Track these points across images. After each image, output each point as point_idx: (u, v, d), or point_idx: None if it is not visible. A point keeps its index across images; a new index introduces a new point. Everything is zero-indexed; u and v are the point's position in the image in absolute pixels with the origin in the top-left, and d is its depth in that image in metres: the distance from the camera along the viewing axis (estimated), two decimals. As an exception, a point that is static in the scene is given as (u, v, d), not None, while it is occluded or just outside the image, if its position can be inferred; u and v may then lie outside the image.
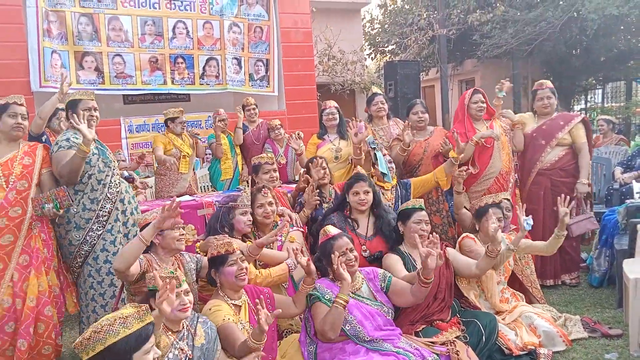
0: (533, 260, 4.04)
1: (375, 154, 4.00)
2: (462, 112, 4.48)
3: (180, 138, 5.30)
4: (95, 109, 3.42)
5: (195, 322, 2.52)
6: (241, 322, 2.70)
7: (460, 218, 4.05)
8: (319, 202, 3.91)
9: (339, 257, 2.86)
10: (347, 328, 2.81)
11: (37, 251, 3.19)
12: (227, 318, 2.62)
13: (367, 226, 3.60)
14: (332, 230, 3.09)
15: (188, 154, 5.24)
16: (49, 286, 3.23)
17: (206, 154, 6.09)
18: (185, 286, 2.46)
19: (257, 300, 2.52)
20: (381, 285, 3.06)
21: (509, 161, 4.43)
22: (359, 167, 4.16)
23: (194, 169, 5.51)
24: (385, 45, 13.89)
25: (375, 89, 5.03)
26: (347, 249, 2.96)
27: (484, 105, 4.41)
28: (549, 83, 4.64)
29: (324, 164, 4.12)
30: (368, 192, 3.58)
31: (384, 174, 3.99)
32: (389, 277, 3.09)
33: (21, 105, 3.26)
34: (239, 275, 2.73)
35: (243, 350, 2.49)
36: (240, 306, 2.79)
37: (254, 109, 5.79)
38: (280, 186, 4.35)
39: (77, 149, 3.18)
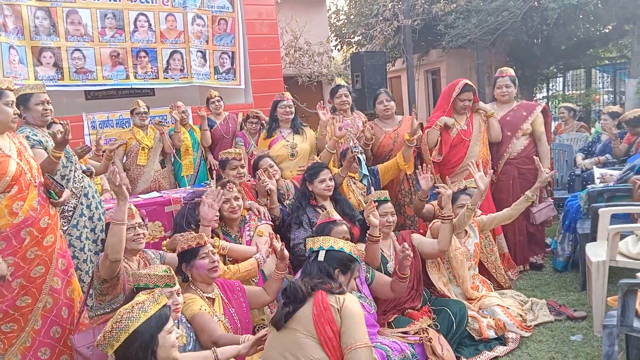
0: (497, 247, 4.15)
1: (358, 157, 3.95)
2: (446, 103, 4.46)
3: (144, 131, 5.30)
4: (48, 102, 3.30)
5: (178, 322, 2.49)
6: (216, 314, 2.69)
7: (424, 216, 4.05)
8: (267, 186, 3.78)
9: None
10: None
11: (67, 251, 2.94)
12: (204, 309, 2.61)
13: (335, 211, 3.67)
14: (334, 215, 3.13)
15: (147, 146, 5.23)
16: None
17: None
18: (178, 286, 2.44)
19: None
20: (366, 276, 3.10)
21: (486, 151, 4.46)
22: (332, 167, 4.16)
23: (162, 164, 5.41)
24: (351, 36, 13.87)
25: (339, 81, 4.95)
26: (344, 237, 2.99)
27: (470, 103, 4.42)
28: (510, 71, 4.70)
29: (269, 163, 4.02)
30: (331, 179, 3.73)
31: (365, 175, 4.01)
32: (372, 269, 3.15)
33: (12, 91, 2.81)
34: (211, 268, 2.72)
35: (227, 340, 2.49)
36: (214, 299, 2.77)
37: (218, 101, 5.74)
38: (249, 180, 4.31)
39: (51, 154, 3.07)
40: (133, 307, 1.99)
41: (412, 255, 2.92)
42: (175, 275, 2.44)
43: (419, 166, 3.80)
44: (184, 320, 2.54)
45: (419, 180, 3.69)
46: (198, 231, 3.18)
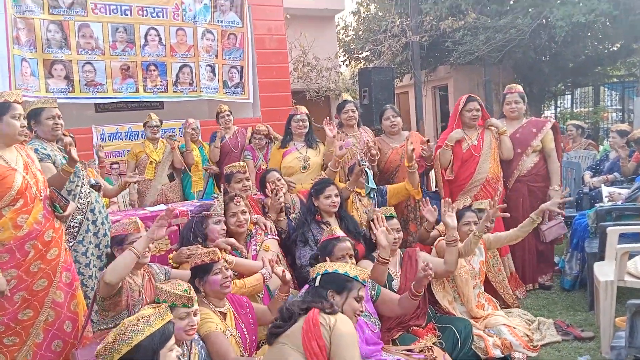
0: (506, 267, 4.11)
1: (365, 171, 3.94)
2: (454, 119, 4.47)
3: (154, 144, 5.36)
4: (59, 117, 3.33)
5: (192, 340, 2.48)
6: (228, 329, 2.69)
7: (429, 242, 4.02)
8: (282, 205, 3.85)
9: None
10: None
11: (72, 265, 2.92)
12: (219, 327, 2.60)
13: (339, 228, 3.66)
14: (338, 231, 3.12)
15: (155, 160, 5.29)
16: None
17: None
18: (196, 306, 2.41)
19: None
20: (371, 293, 3.07)
21: (497, 168, 4.43)
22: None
23: (170, 177, 5.44)
24: (360, 52, 13.97)
25: (346, 96, 4.97)
26: (347, 253, 2.98)
27: (479, 113, 4.41)
28: (519, 87, 4.69)
29: (277, 177, 4.02)
30: (337, 195, 3.71)
31: (373, 189, 4.00)
32: (378, 286, 3.12)
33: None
34: (223, 284, 2.72)
35: None
36: (226, 313, 2.77)
37: (228, 115, 5.77)
38: (256, 194, 4.32)
39: (62, 169, 3.10)
40: (138, 320, 1.97)
41: (433, 275, 2.91)
42: (194, 296, 2.40)
43: (422, 200, 3.77)
44: (196, 337, 2.51)
45: (424, 214, 3.66)
46: (205, 245, 3.18)
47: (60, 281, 2.77)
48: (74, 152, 3.13)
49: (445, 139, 4.43)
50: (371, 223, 3.23)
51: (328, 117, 4.52)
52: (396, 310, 3.06)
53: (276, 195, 3.79)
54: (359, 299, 2.51)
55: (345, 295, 2.49)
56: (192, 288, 2.43)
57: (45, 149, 3.21)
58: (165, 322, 2.03)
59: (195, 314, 2.40)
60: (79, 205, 3.33)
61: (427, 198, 3.77)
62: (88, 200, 3.41)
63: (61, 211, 2.84)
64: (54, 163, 3.21)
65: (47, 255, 2.72)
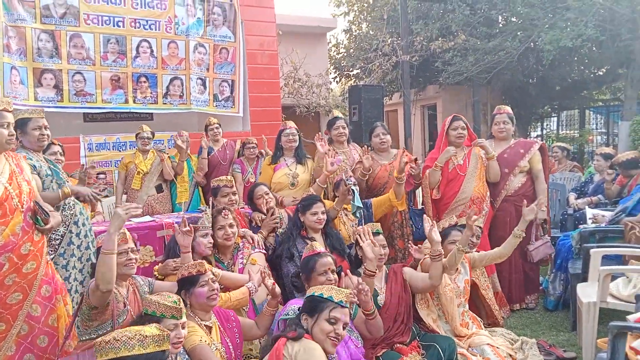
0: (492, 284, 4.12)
1: (352, 190, 3.95)
2: (440, 139, 4.51)
3: (144, 155, 5.35)
4: (45, 127, 3.28)
5: (176, 354, 2.45)
6: (214, 343, 2.66)
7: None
8: (277, 224, 3.89)
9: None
10: None
11: (54, 277, 2.83)
12: (204, 340, 2.58)
13: (324, 244, 3.67)
14: (318, 247, 3.10)
15: (142, 171, 5.30)
16: (69, 316, 2.88)
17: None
18: (184, 319, 2.40)
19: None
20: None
21: (482, 187, 4.43)
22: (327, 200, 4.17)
23: (158, 189, 5.40)
24: (350, 70, 14.11)
25: (336, 113, 4.99)
26: (329, 269, 2.96)
27: (465, 132, 4.44)
28: (507, 108, 4.74)
29: (265, 190, 4.05)
30: (324, 212, 3.72)
31: (359, 207, 4.01)
32: (355, 305, 3.11)
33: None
34: (210, 296, 2.70)
35: None
36: (211, 327, 2.75)
37: (217, 128, 5.76)
38: (243, 207, 4.31)
39: (62, 192, 3.10)
40: (135, 335, 1.97)
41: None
42: (183, 308, 2.39)
43: (410, 242, 3.77)
44: (182, 351, 2.49)
45: (413, 254, 3.67)
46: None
47: (38, 295, 2.70)
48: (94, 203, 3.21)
49: (433, 159, 4.46)
50: (357, 237, 3.23)
51: (319, 133, 4.54)
52: (367, 334, 3.05)
53: (272, 214, 3.80)
54: (333, 321, 2.40)
55: (316, 316, 2.42)
56: (181, 300, 2.42)
57: (30, 160, 3.15)
58: (158, 350, 2.01)
59: (183, 327, 2.39)
60: (62, 217, 3.26)
61: (411, 243, 3.78)
62: (72, 212, 3.33)
63: (42, 224, 2.77)
64: (38, 174, 3.16)
65: (23, 269, 2.64)
